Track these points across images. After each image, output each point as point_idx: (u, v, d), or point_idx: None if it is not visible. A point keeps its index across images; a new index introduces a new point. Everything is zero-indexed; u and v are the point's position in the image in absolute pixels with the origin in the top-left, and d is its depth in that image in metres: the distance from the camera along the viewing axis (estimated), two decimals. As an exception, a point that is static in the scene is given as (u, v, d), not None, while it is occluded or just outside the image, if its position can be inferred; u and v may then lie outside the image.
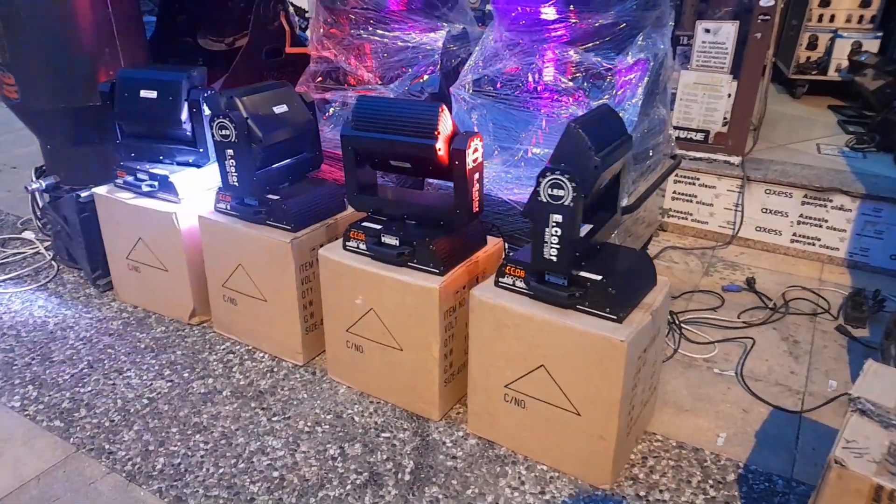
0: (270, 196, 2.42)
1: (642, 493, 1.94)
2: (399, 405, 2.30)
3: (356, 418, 2.26)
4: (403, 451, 2.11)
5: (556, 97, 2.55)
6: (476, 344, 2.04)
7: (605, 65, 2.49)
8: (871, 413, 1.52)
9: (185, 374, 2.48)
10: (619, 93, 2.51)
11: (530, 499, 1.92)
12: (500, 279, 1.99)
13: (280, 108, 2.41)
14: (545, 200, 1.75)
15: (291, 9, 3.69)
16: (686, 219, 3.50)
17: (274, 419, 2.26)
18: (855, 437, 1.45)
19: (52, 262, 3.25)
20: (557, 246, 1.79)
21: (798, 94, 4.68)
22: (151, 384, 2.43)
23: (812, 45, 4.61)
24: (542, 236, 1.80)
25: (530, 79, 2.59)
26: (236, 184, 2.39)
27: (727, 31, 3.19)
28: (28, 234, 3.46)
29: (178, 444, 2.15)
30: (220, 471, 2.04)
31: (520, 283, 1.96)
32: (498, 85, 2.68)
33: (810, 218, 3.19)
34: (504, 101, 2.70)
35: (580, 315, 1.85)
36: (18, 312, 2.88)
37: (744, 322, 2.79)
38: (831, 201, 3.13)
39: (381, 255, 2.17)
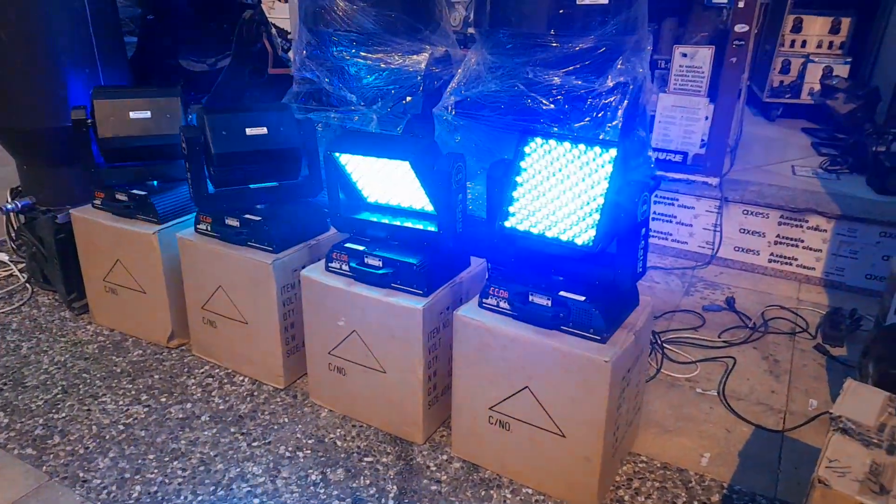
0: (251, 217, 2.39)
1: (629, 516, 1.93)
2: (382, 428, 2.27)
3: (338, 442, 2.22)
4: (387, 475, 2.08)
5: (538, 119, 2.57)
6: (460, 365, 2.03)
7: (585, 87, 2.52)
8: (853, 432, 1.53)
9: (163, 399, 2.43)
10: (599, 115, 2.53)
11: (516, 523, 1.90)
12: (485, 300, 1.99)
13: (255, 130, 2.38)
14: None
15: (274, 30, 3.70)
16: (666, 239, 3.53)
17: (254, 444, 2.21)
18: (837, 455, 1.46)
19: (27, 285, 3.19)
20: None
21: (773, 116, 4.78)
22: (128, 409, 2.38)
23: (785, 70, 4.72)
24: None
25: (512, 101, 2.61)
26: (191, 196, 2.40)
27: (703, 56, 3.25)
28: (2, 256, 3.40)
29: (155, 471, 2.09)
30: (199, 498, 1.99)
31: (504, 304, 1.95)
32: (480, 106, 2.70)
33: (787, 238, 3.25)
34: (487, 123, 2.71)
35: (564, 336, 1.85)
36: (-10, 336, 2.81)
37: (724, 342, 2.81)
38: (807, 222, 3.18)
39: (364, 276, 2.15)
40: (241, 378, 2.55)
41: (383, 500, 1.98)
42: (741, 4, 3.11)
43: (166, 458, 2.15)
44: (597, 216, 1.75)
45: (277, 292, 2.34)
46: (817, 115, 4.65)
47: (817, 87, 4.55)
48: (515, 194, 1.90)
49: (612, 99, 2.52)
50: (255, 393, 2.47)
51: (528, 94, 2.59)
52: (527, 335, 1.87)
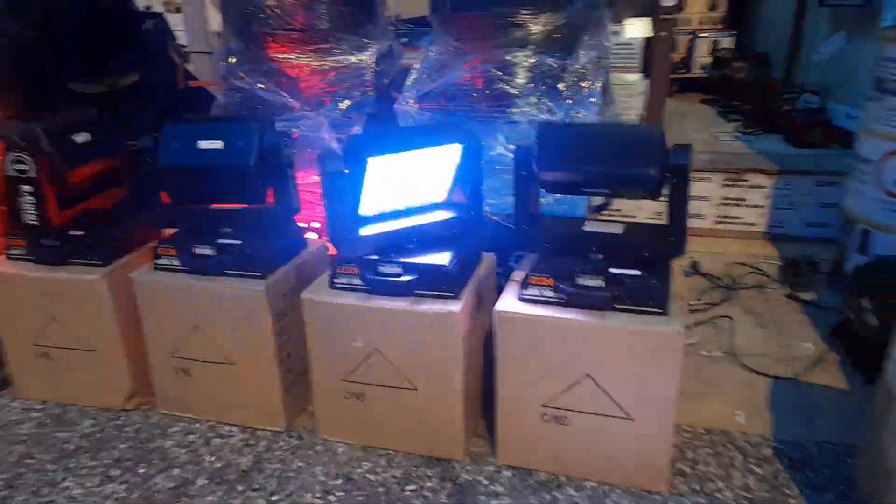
0: (227, 241, 2.09)
1: (697, 488, 1.87)
2: (414, 452, 2.06)
3: (370, 476, 1.98)
4: (438, 501, 1.88)
5: (515, 102, 2.47)
6: (506, 366, 1.87)
7: (559, 66, 2.46)
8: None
9: (141, 471, 2.05)
10: (576, 94, 2.48)
11: (595, 521, 1.78)
12: (525, 291, 1.85)
13: (210, 144, 2.07)
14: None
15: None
16: (616, 213, 3.57)
17: (273, 499, 1.91)
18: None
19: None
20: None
21: (670, 92, 5.03)
22: (101, 490, 1.97)
23: (673, 48, 5.00)
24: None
25: (486, 86, 2.50)
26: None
27: (633, 32, 3.32)
28: None
29: (168, 554, 1.75)
30: (234, 574, 1.68)
31: (548, 292, 1.82)
32: (450, 97, 2.56)
33: (731, 199, 3.40)
34: (459, 112, 2.57)
35: (622, 314, 1.76)
36: None
37: (706, 304, 2.86)
38: (747, 181, 3.35)
39: (382, 287, 1.93)
40: (228, 429, 2.21)
41: (448, 529, 1.78)
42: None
43: (175, 537, 1.80)
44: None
45: (273, 322, 2.05)
46: (711, 87, 4.96)
47: (707, 60, 4.85)
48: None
49: (588, 75, 2.48)
50: (252, 442, 2.15)
51: (503, 78, 2.49)
52: (585, 320, 1.75)
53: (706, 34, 4.85)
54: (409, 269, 1.91)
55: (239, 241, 2.08)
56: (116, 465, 2.07)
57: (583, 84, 2.51)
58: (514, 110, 2.56)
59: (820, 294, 2.89)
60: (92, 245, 2.19)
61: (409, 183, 2.00)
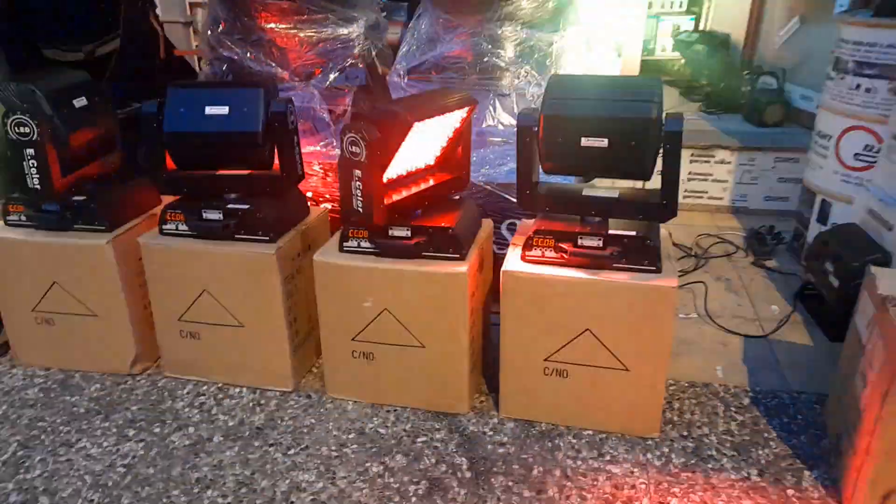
0: (235, 206, 2.13)
1: (685, 433, 2.04)
2: (420, 407, 2.17)
3: (381, 430, 2.09)
4: (448, 450, 2.00)
5: (504, 74, 2.58)
6: (511, 323, 1.99)
7: (547, 40, 2.57)
8: None
9: (156, 430, 2.10)
10: (563, 66, 2.60)
11: (593, 463, 1.93)
12: (529, 252, 1.97)
13: (216, 110, 2.10)
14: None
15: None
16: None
17: (290, 453, 2.00)
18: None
19: None
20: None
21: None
22: (118, 449, 2.02)
23: (639, 30, 5.17)
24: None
25: (476, 59, 2.59)
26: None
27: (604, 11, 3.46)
28: None
29: (191, 505, 1.82)
30: (260, 521, 1.77)
31: (550, 253, 1.95)
32: (441, 69, 2.64)
33: (698, 174, 3.59)
34: (450, 84, 2.66)
35: (621, 272, 1.90)
36: None
37: (679, 271, 3.05)
38: (714, 156, 3.55)
39: (393, 250, 2.02)
40: (236, 390, 2.28)
41: (459, 474, 1.90)
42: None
43: (196, 490, 1.87)
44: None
45: (282, 284, 2.12)
46: (668, 70, 5.15)
47: (669, 42, 5.04)
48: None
49: (573, 49, 2.60)
50: (262, 401, 2.22)
51: (492, 51, 2.59)
52: (586, 277, 1.89)
53: (669, 17, 5.04)
54: (416, 231, 2.00)
55: (248, 206, 2.13)
56: (130, 426, 2.12)
57: (568, 59, 2.64)
58: (504, 83, 2.67)
59: (782, 262, 3.11)
60: (95, 210, 2.20)
61: (422, 147, 2.08)
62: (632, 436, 2.03)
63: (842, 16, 2.90)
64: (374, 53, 2.95)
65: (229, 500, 1.83)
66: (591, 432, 2.05)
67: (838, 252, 2.49)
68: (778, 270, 3.04)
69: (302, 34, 2.83)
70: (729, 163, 3.54)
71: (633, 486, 1.85)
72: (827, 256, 2.56)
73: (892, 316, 1.66)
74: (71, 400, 2.24)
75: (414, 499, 1.82)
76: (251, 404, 2.21)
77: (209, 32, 2.94)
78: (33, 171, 2.10)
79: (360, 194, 1.87)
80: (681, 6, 5.17)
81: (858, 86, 2.72)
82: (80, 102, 2.26)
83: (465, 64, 2.62)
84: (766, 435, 2.03)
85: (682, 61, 4.96)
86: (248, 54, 2.89)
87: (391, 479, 1.89)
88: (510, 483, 1.86)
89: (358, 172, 1.83)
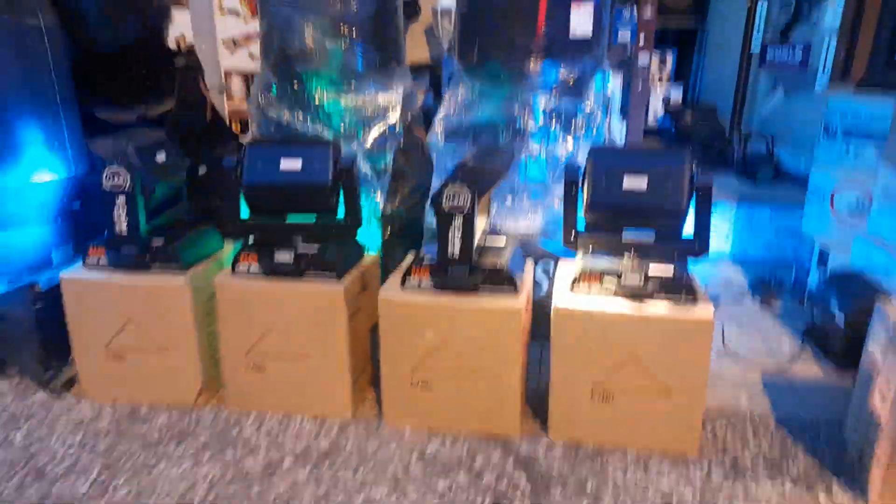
0: (305, 249, 2.35)
1: (722, 453, 2.23)
2: (474, 431, 2.33)
3: (442, 452, 2.24)
4: (507, 469, 2.16)
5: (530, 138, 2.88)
6: (561, 354, 2.20)
7: (572, 109, 2.88)
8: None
9: (229, 454, 2.24)
10: (590, 131, 2.91)
11: (641, 478, 2.11)
12: (576, 287, 2.20)
13: (290, 163, 2.34)
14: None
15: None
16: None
17: (360, 472, 2.15)
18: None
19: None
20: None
21: (630, 138, 5.63)
22: (196, 471, 2.15)
23: (633, 99, 5.61)
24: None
25: (509, 124, 2.89)
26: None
27: (616, 82, 3.83)
28: None
29: (276, 520, 1.95)
30: (343, 532, 1.90)
31: (596, 288, 2.19)
32: (479, 131, 2.93)
33: (702, 227, 3.89)
34: (485, 145, 2.95)
35: (662, 303, 2.13)
36: (-43, 437, 2.33)
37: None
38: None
39: (452, 286, 2.24)
40: (297, 419, 2.43)
41: (520, 489, 2.06)
42: (642, 43, 3.75)
43: (276, 507, 2.01)
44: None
45: (347, 319, 2.31)
46: (664, 133, 5.56)
47: (660, 111, 5.47)
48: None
49: (597, 115, 2.91)
50: (324, 429, 2.37)
51: (522, 115, 2.89)
52: (630, 312, 2.12)
53: (658, 88, 5.49)
54: (475, 270, 2.23)
55: (317, 249, 2.35)
56: (204, 451, 2.25)
57: (593, 122, 2.95)
58: (533, 146, 2.96)
59: (786, 304, 3.38)
60: (173, 253, 2.39)
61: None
62: (673, 454, 2.21)
63: (826, 90, 3.28)
64: (409, 117, 3.24)
65: (309, 515, 1.97)
66: (635, 452, 2.23)
67: (844, 293, 2.77)
68: (784, 312, 3.30)
69: (347, 100, 3.11)
70: (726, 218, 3.86)
71: (681, 497, 2.02)
72: (831, 297, 2.83)
73: (904, 337, 1.90)
74: (143, 429, 2.37)
75: (482, 511, 1.98)
76: (314, 432, 2.36)
77: (260, 96, 3.22)
78: (122, 217, 2.30)
79: (457, 240, 2.11)
80: (668, 79, 5.63)
81: (848, 148, 3.06)
82: (160, 157, 2.50)
83: (499, 127, 2.91)
84: (793, 452, 2.23)
85: (675, 126, 5.37)
86: (297, 117, 3.16)
87: (459, 495, 2.04)
88: (569, 495, 2.03)
89: (458, 222, 2.08)
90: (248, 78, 4.24)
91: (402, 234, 3.13)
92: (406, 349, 2.29)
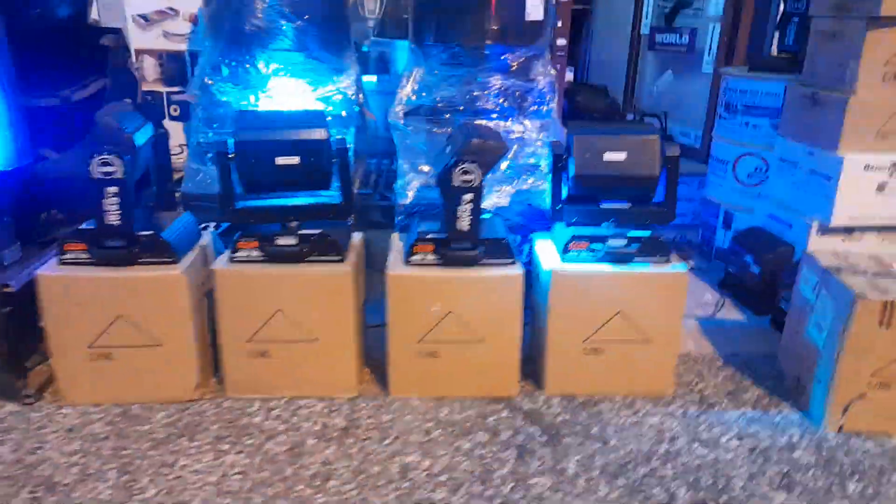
0: (307, 232, 2.37)
1: (690, 389, 2.59)
2: (477, 395, 2.51)
3: (454, 416, 2.40)
4: (516, 424, 2.37)
5: (493, 117, 3.06)
6: (557, 313, 2.43)
7: (526, 88, 3.10)
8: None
9: (248, 442, 2.24)
10: (541, 109, 3.14)
11: (633, 418, 2.40)
12: (566, 254, 2.43)
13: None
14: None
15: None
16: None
17: (385, 443, 2.25)
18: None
19: None
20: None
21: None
22: (222, 461, 2.14)
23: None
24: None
25: (468, 103, 3.04)
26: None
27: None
28: None
29: (319, 495, 2.01)
30: (391, 496, 2.01)
31: (584, 254, 2.43)
32: (440, 112, 3.05)
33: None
34: (443, 126, 3.08)
35: (642, 264, 2.42)
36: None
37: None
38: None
39: (454, 260, 2.38)
40: (304, 401, 2.46)
41: (538, 439, 2.28)
42: (559, 24, 4.03)
43: (317, 483, 2.06)
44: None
45: (355, 299, 2.38)
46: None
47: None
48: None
49: (547, 96, 3.15)
50: (334, 408, 2.43)
51: (482, 97, 3.06)
52: (617, 272, 2.39)
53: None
54: (477, 243, 2.38)
55: (319, 231, 2.38)
56: (220, 442, 2.23)
57: (543, 101, 3.18)
58: (491, 123, 3.15)
59: (698, 261, 3.87)
60: (164, 243, 2.31)
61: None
62: (652, 396, 2.53)
63: (729, 69, 3.76)
64: (361, 98, 3.29)
65: (352, 486, 2.05)
66: (620, 396, 2.53)
67: (755, 247, 3.25)
68: (698, 268, 3.78)
69: (301, 81, 3.10)
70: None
71: (671, 429, 2.35)
72: (744, 251, 3.31)
73: (835, 280, 2.34)
74: (144, 429, 2.29)
75: (511, 462, 2.17)
76: (325, 411, 2.42)
77: (205, 79, 3.10)
78: (113, 208, 2.18)
79: (467, 215, 2.23)
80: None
81: (747, 123, 3.56)
82: (140, 139, 2.37)
83: (459, 106, 3.06)
84: (745, 384, 2.64)
85: (571, 105, 5.78)
86: (250, 99, 3.10)
87: (484, 451, 2.22)
88: (581, 440, 2.28)
89: (469, 196, 2.20)
90: (161, 57, 4.01)
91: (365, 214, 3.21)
92: (414, 322, 2.41)
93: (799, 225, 3.09)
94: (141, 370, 2.38)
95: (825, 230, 2.99)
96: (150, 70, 4.02)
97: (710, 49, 4.49)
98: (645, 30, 5.16)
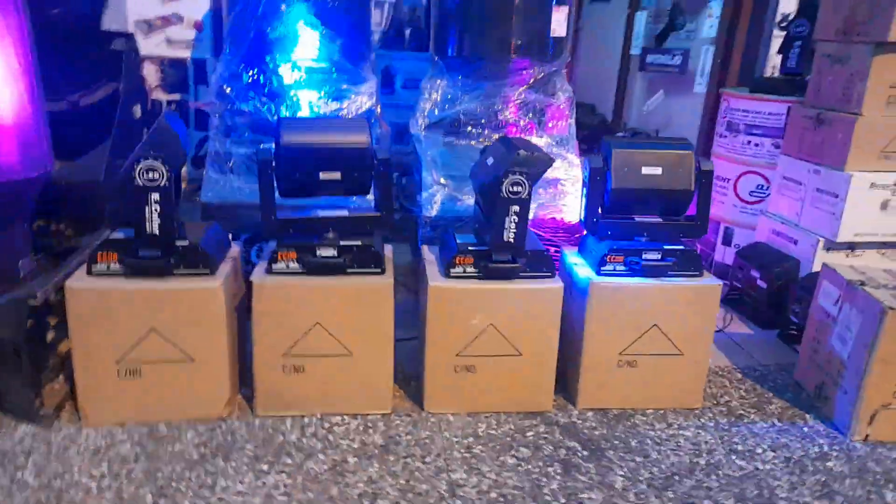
0: (347, 243, 2.32)
1: (715, 402, 2.64)
2: (511, 410, 2.49)
3: (492, 432, 2.38)
4: (555, 439, 2.36)
5: (514, 130, 3.08)
6: (594, 325, 2.44)
7: (545, 102, 3.13)
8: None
9: (287, 461, 2.17)
10: (559, 124, 3.18)
11: (666, 431, 2.43)
12: (603, 267, 2.45)
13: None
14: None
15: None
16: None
17: (427, 461, 2.21)
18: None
19: None
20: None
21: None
22: (263, 482, 2.07)
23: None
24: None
25: (490, 117, 3.06)
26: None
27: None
28: None
29: (375, 514, 1.96)
30: (446, 514, 1.98)
31: (620, 267, 2.45)
32: (462, 124, 3.06)
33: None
34: (464, 137, 3.09)
35: (677, 277, 2.46)
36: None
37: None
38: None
39: (495, 273, 2.37)
40: (338, 418, 2.40)
41: (580, 454, 2.27)
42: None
43: (366, 502, 2.01)
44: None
45: (393, 313, 2.34)
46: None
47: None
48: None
49: (566, 111, 3.19)
50: (370, 424, 2.38)
51: (504, 111, 3.08)
52: (653, 284, 2.42)
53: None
54: (520, 256, 2.38)
55: (359, 242, 2.34)
56: (259, 462, 2.15)
57: (561, 115, 3.22)
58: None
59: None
60: (203, 254, 2.23)
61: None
62: (683, 408, 2.56)
63: (730, 90, 3.87)
64: (378, 109, 3.27)
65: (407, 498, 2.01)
66: (652, 409, 2.55)
67: (761, 263, 3.34)
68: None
69: (320, 92, 3.06)
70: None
71: (707, 441, 2.38)
72: (750, 267, 3.40)
73: (862, 293, 2.42)
74: (175, 449, 2.19)
75: (559, 477, 2.16)
76: (361, 428, 2.36)
77: (224, 86, 3.03)
78: (155, 216, 2.10)
79: (514, 227, 2.23)
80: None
81: (749, 141, 3.67)
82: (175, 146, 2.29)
83: (483, 118, 3.07)
84: (766, 395, 2.70)
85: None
86: (268, 108, 3.04)
87: (529, 466, 2.20)
88: (621, 454, 2.29)
89: (516, 208, 2.19)
90: (163, 64, 3.90)
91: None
92: (453, 335, 2.38)
93: (804, 241, 3.19)
94: (170, 387, 2.28)
95: (831, 246, 3.10)
96: (151, 77, 3.90)
97: (702, 70, 4.63)
98: (636, 50, 5.29)
